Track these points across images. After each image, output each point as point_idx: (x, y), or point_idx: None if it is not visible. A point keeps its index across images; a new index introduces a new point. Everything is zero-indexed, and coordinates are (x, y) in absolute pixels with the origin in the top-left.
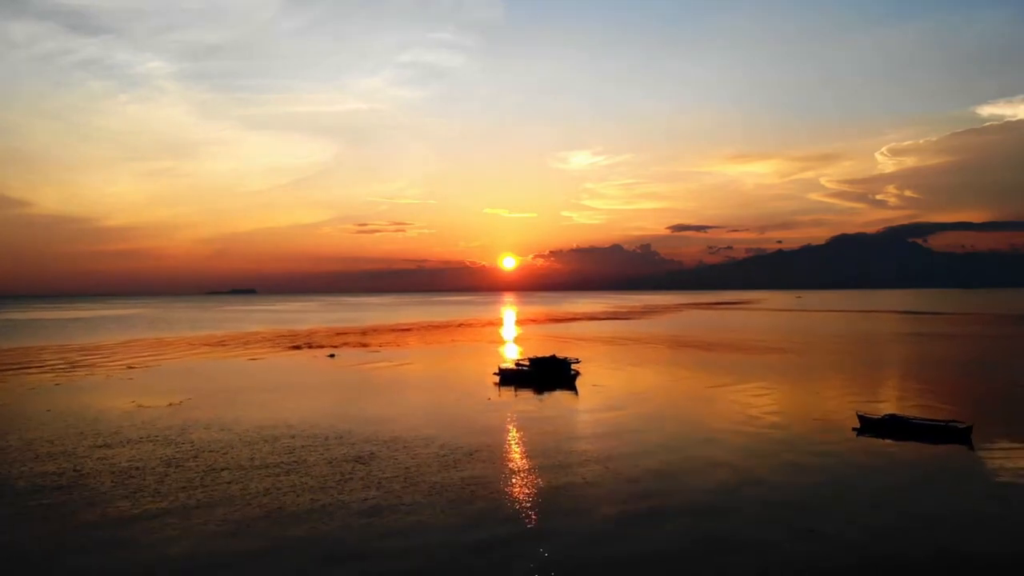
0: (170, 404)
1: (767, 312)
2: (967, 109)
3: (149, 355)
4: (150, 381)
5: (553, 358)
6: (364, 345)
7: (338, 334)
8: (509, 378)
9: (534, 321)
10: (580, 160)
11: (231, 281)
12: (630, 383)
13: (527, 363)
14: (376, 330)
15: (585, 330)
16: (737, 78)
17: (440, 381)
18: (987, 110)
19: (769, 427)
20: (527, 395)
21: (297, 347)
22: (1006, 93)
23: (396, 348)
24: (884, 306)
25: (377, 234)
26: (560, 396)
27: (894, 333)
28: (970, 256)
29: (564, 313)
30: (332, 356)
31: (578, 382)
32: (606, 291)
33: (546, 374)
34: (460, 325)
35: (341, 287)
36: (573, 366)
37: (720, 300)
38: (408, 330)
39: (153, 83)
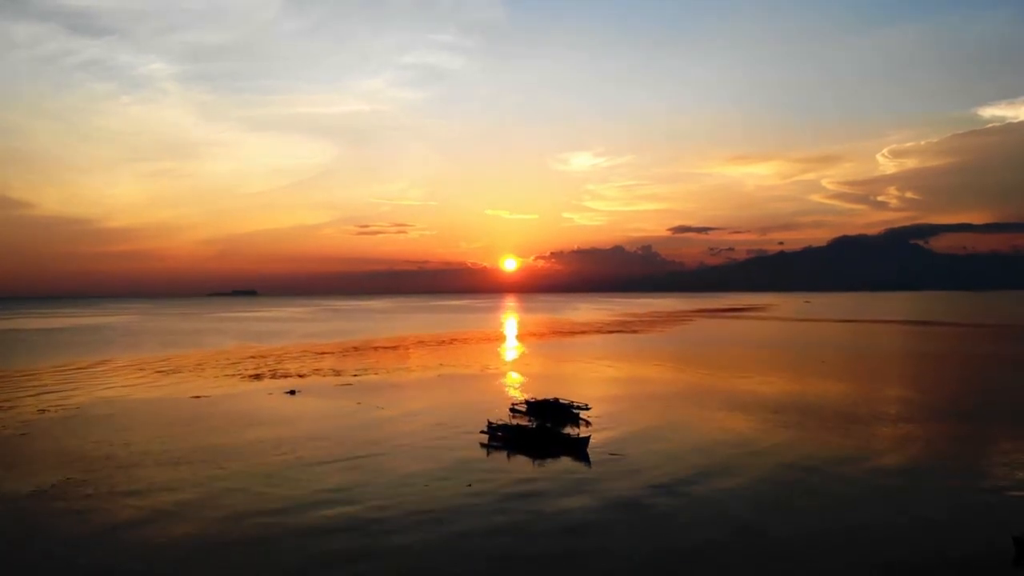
0: (34, 491)
1: (783, 322)
2: (968, 110)
3: (81, 388)
4: (45, 438)
5: (556, 403)
6: (337, 373)
7: (315, 354)
8: (501, 437)
9: (535, 335)
10: (581, 161)
11: (233, 282)
12: (657, 446)
13: (524, 407)
14: (359, 348)
15: (592, 348)
16: (737, 79)
17: (412, 441)
18: (988, 111)
19: (900, 552)
20: (523, 467)
21: (258, 376)
22: (1007, 94)
23: (373, 378)
24: (901, 314)
25: (378, 235)
26: (566, 472)
27: (944, 354)
28: (971, 258)
29: (567, 324)
30: (292, 393)
31: (590, 442)
32: (607, 292)
33: (546, 433)
34: (453, 341)
35: (342, 288)
36: (582, 414)
37: (728, 306)
38: (395, 348)
39: (155, 84)
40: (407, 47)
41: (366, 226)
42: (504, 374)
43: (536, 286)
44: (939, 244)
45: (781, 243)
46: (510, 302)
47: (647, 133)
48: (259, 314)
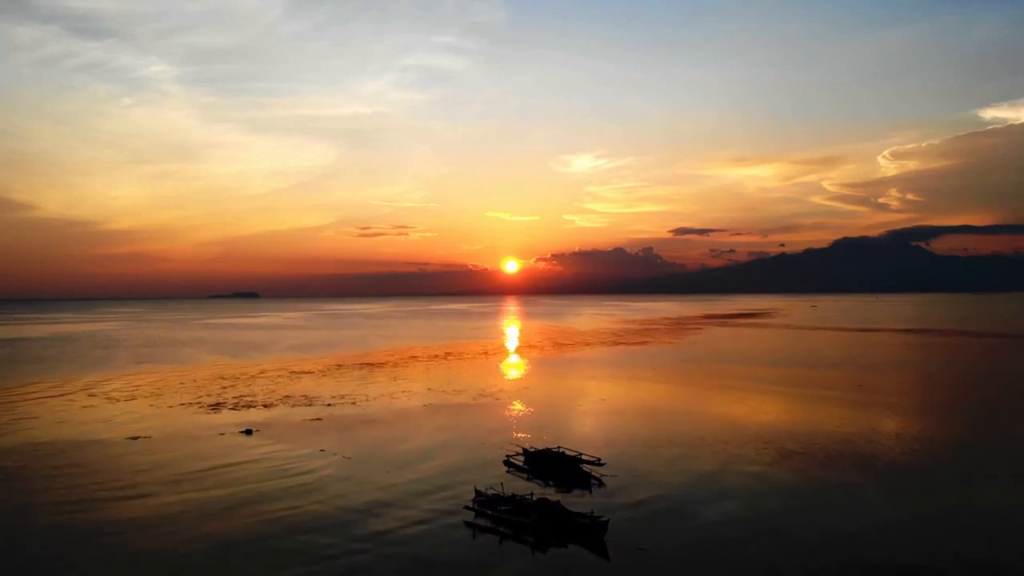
0: None
1: (797, 331)
2: (969, 112)
3: (13, 423)
4: None
5: (561, 455)
6: (310, 402)
7: (292, 373)
8: (491, 516)
9: (535, 347)
10: (582, 163)
11: (234, 284)
12: (696, 530)
13: (522, 457)
14: (342, 366)
15: (598, 367)
16: (738, 81)
17: (375, 534)
18: (989, 113)
19: None
20: (518, 565)
21: (218, 406)
22: (1008, 96)
23: (347, 410)
24: (915, 321)
25: (379, 237)
26: (577, 571)
27: (992, 374)
28: (973, 259)
29: (570, 334)
30: (248, 433)
31: (608, 527)
32: (608, 294)
33: (550, 511)
34: (447, 355)
35: (343, 290)
36: (592, 470)
37: (734, 310)
38: (382, 365)
39: (157, 86)
40: (409, 49)
41: (367, 228)
42: (500, 403)
43: (537, 288)
44: (940, 246)
45: (782, 245)
46: (510, 306)
47: (648, 135)
48: (250, 320)
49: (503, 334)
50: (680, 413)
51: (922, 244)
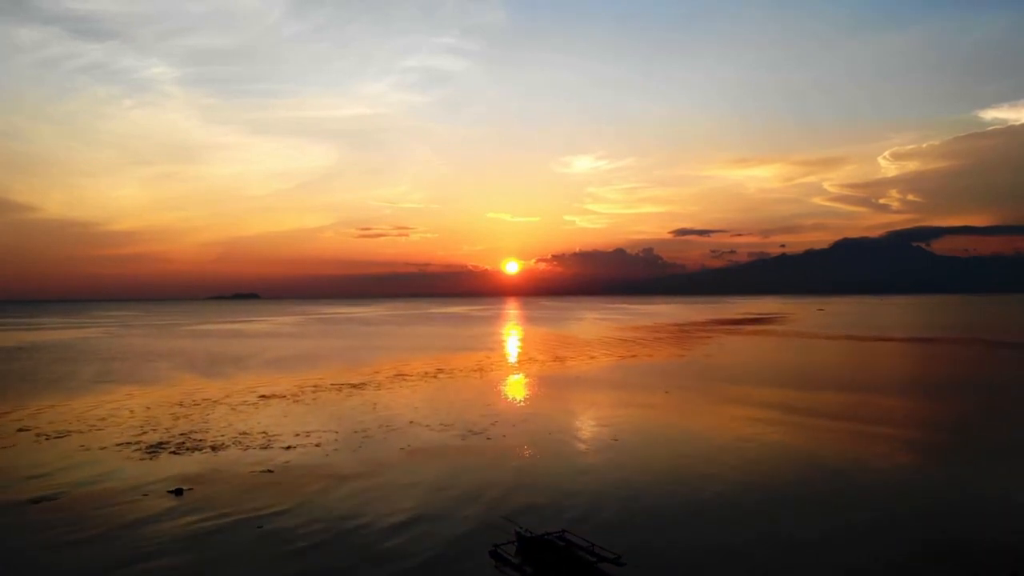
0: None
1: (813, 341)
2: (969, 113)
3: None
4: None
5: (565, 546)
6: (267, 443)
7: (260, 398)
8: None
9: (534, 361)
10: (583, 164)
11: (234, 285)
12: None
13: (514, 546)
14: (319, 387)
15: (604, 391)
16: (738, 82)
17: None
18: (990, 114)
19: None
20: None
21: (158, 448)
22: (1008, 97)
23: (310, 455)
24: (934, 326)
25: (380, 238)
26: None
27: None
28: (973, 260)
29: (572, 344)
30: (178, 493)
31: None
32: (609, 296)
33: None
34: (438, 372)
35: (344, 291)
36: (607, 568)
37: (741, 314)
38: (363, 387)
39: (158, 88)
40: (410, 50)
41: (367, 228)
42: (492, 444)
43: (537, 289)
44: (941, 246)
45: (783, 245)
46: (510, 309)
47: (648, 136)
48: (241, 325)
49: (501, 344)
50: (707, 468)
51: (923, 245)
